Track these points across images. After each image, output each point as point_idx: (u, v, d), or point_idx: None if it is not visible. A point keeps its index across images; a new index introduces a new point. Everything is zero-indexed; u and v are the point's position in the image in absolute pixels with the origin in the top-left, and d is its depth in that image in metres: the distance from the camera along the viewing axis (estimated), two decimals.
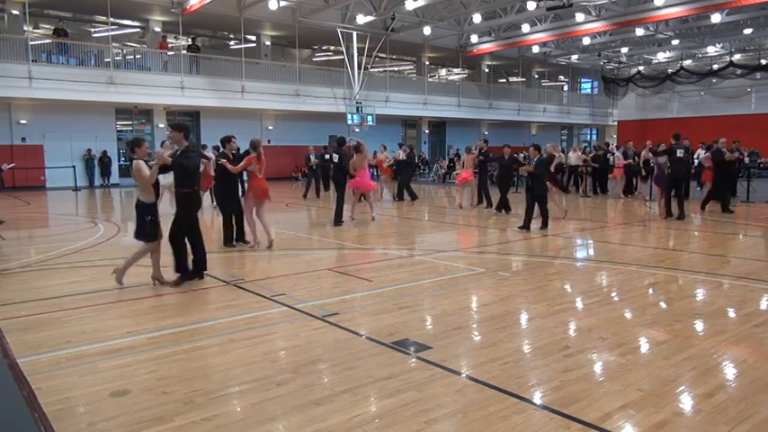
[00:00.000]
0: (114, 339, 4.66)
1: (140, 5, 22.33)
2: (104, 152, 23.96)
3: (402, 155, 17.71)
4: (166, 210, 8.66)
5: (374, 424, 3.21)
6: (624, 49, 32.42)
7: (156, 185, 6.39)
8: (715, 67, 31.20)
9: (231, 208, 9.10)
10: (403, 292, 6.21)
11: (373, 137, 24.51)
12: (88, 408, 3.44)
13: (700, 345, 4.52)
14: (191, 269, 6.67)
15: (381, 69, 30.68)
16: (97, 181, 24.13)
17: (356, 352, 4.35)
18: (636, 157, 18.32)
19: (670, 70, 32.76)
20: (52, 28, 22.67)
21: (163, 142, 12.52)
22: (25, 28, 21.76)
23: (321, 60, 32.85)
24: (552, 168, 12.98)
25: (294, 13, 24.57)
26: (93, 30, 26.40)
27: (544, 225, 10.82)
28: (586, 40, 28.91)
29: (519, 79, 36.77)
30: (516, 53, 32.68)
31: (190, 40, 25.14)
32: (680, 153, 12.42)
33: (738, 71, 29.67)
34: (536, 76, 38.69)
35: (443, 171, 27.78)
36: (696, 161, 17.31)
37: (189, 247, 6.65)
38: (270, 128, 27.84)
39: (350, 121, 26.86)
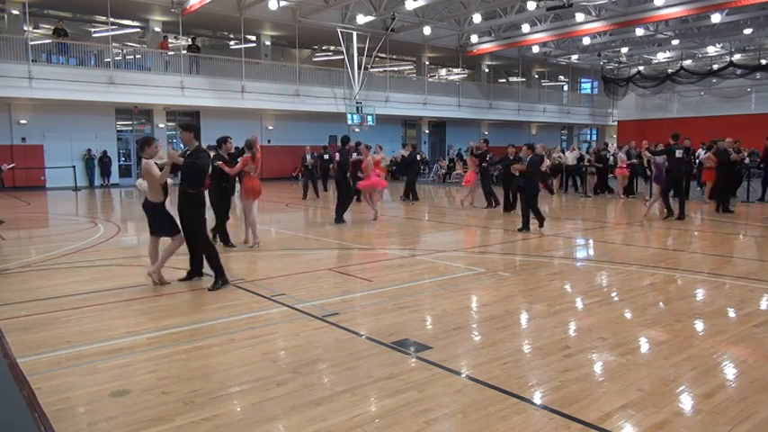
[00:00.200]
0: (114, 339, 4.66)
1: (140, 5, 22.32)
2: (104, 152, 23.96)
3: (405, 154, 17.69)
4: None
5: (374, 424, 3.21)
6: (624, 49, 32.39)
7: (165, 185, 6.40)
8: (715, 67, 31.16)
9: (226, 209, 9.10)
10: (403, 292, 6.21)
11: (373, 137, 24.47)
12: (88, 408, 3.44)
13: (700, 345, 4.52)
14: (190, 269, 6.70)
15: (381, 69, 30.67)
16: (97, 181, 24.12)
17: (356, 352, 4.35)
18: (639, 158, 18.29)
19: (670, 70, 32.71)
20: (52, 28, 22.66)
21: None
22: (25, 28, 21.76)
23: (321, 60, 32.84)
24: (544, 168, 12.97)
25: (294, 13, 24.56)
26: (93, 30, 26.40)
27: (540, 224, 10.82)
28: (586, 40, 28.88)
29: (519, 79, 36.75)
30: (516, 53, 32.67)
31: (190, 40, 25.12)
32: (679, 153, 12.41)
33: (738, 71, 29.62)
34: (536, 76, 38.68)
35: (443, 171, 27.80)
36: (696, 161, 17.33)
37: (189, 247, 6.65)
38: (270, 128, 27.83)
39: (350, 121, 26.83)
